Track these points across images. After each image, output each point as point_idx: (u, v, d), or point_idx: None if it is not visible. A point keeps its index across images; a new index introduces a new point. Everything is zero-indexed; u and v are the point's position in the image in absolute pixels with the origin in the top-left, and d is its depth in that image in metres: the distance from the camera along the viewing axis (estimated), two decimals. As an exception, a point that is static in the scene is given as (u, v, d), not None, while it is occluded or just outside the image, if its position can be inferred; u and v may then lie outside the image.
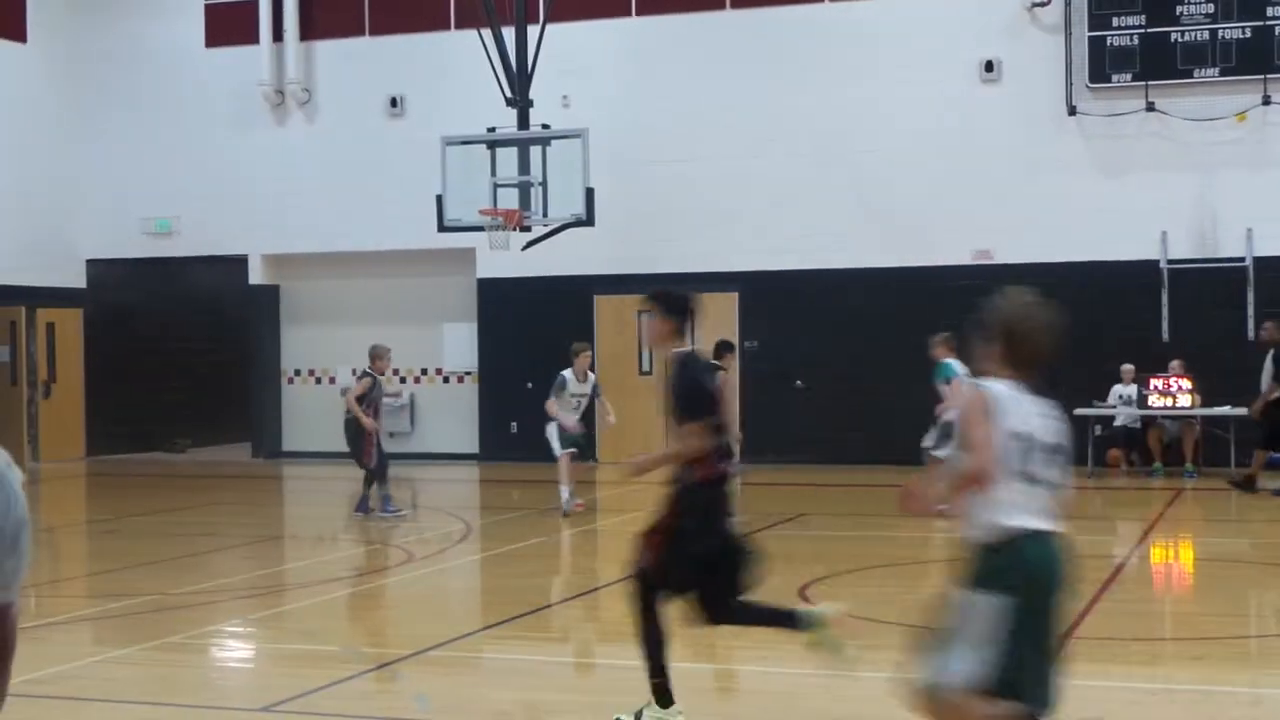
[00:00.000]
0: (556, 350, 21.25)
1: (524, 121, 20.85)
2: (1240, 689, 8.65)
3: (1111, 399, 20.61)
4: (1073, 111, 21.37)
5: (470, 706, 8.28)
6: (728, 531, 7.45)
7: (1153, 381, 20.24)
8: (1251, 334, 19.92)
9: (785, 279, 22.44)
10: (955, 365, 16.56)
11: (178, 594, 12.15)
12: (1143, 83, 21.10)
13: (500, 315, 23.85)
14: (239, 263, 25.42)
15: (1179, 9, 21.02)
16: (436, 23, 24.28)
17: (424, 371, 24.66)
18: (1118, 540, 15.58)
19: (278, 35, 25.03)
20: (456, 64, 23.06)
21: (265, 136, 25.18)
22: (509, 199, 20.02)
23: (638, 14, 23.37)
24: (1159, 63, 21.06)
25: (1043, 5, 21.60)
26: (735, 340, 22.06)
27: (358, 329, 22.65)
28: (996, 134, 21.72)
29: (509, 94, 20.92)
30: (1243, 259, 20.78)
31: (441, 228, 20.46)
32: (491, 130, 20.48)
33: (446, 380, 24.60)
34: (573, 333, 21.79)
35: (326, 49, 25.05)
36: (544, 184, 20.01)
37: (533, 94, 21.10)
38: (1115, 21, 21.24)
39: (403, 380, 24.27)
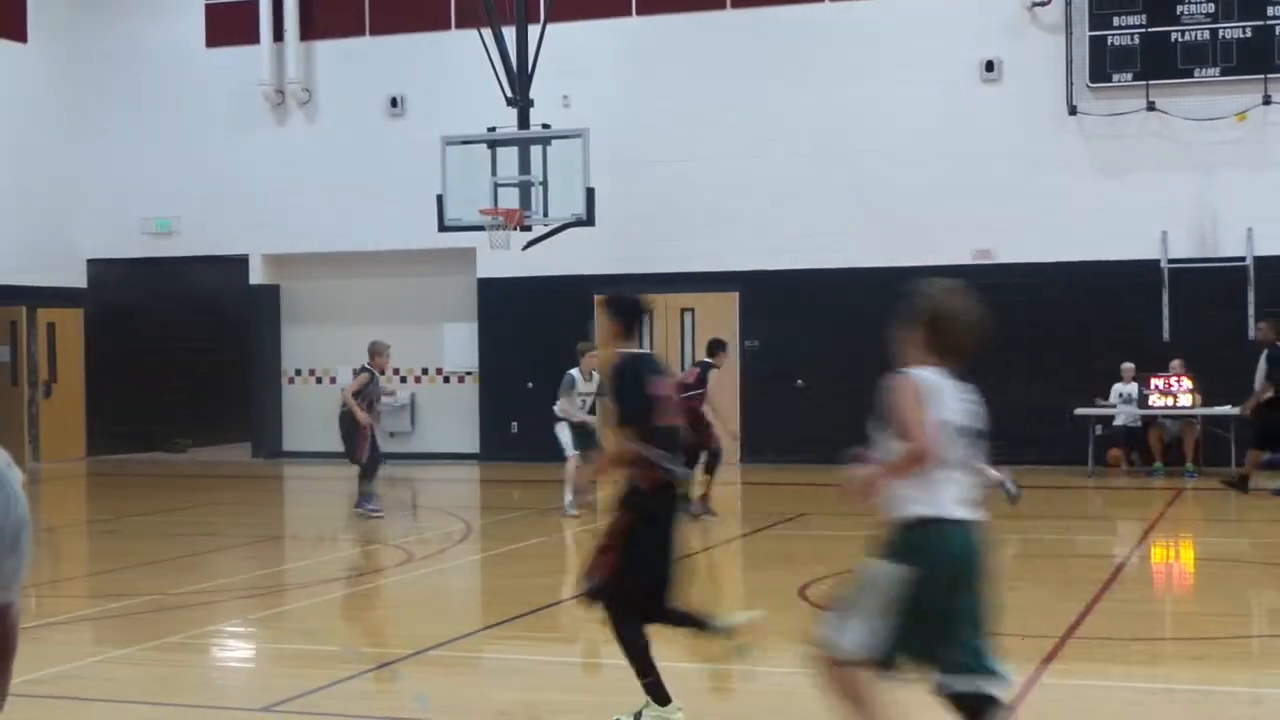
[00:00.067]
0: (557, 350, 21.28)
1: (524, 121, 20.85)
2: (1240, 689, 8.65)
3: (1112, 398, 20.61)
4: (1073, 111, 21.38)
5: (471, 706, 8.28)
6: (672, 540, 7.44)
7: (1153, 381, 20.24)
8: (1252, 334, 19.92)
9: (785, 279, 22.44)
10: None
11: (178, 594, 12.15)
12: (1143, 82, 21.10)
13: (500, 315, 23.85)
14: (239, 263, 25.42)
15: (1179, 9, 21.02)
16: (437, 22, 24.28)
17: (424, 371, 24.66)
18: (1118, 540, 15.60)
19: (278, 35, 25.04)
20: (457, 64, 23.07)
21: (265, 136, 25.19)
22: (509, 199, 20.02)
23: (638, 14, 23.38)
24: (1159, 62, 21.06)
25: (1043, 5, 21.61)
26: (735, 339, 22.10)
27: (358, 329, 22.64)
28: (997, 134, 21.72)
29: (509, 94, 20.92)
30: (1243, 259, 20.79)
31: (442, 227, 20.46)
32: (492, 130, 20.47)
33: (447, 380, 24.60)
34: (573, 333, 21.79)
35: (327, 49, 25.05)
36: (544, 184, 20.00)
37: (533, 94, 21.10)
38: (1116, 21, 21.23)
39: (403, 380, 24.27)
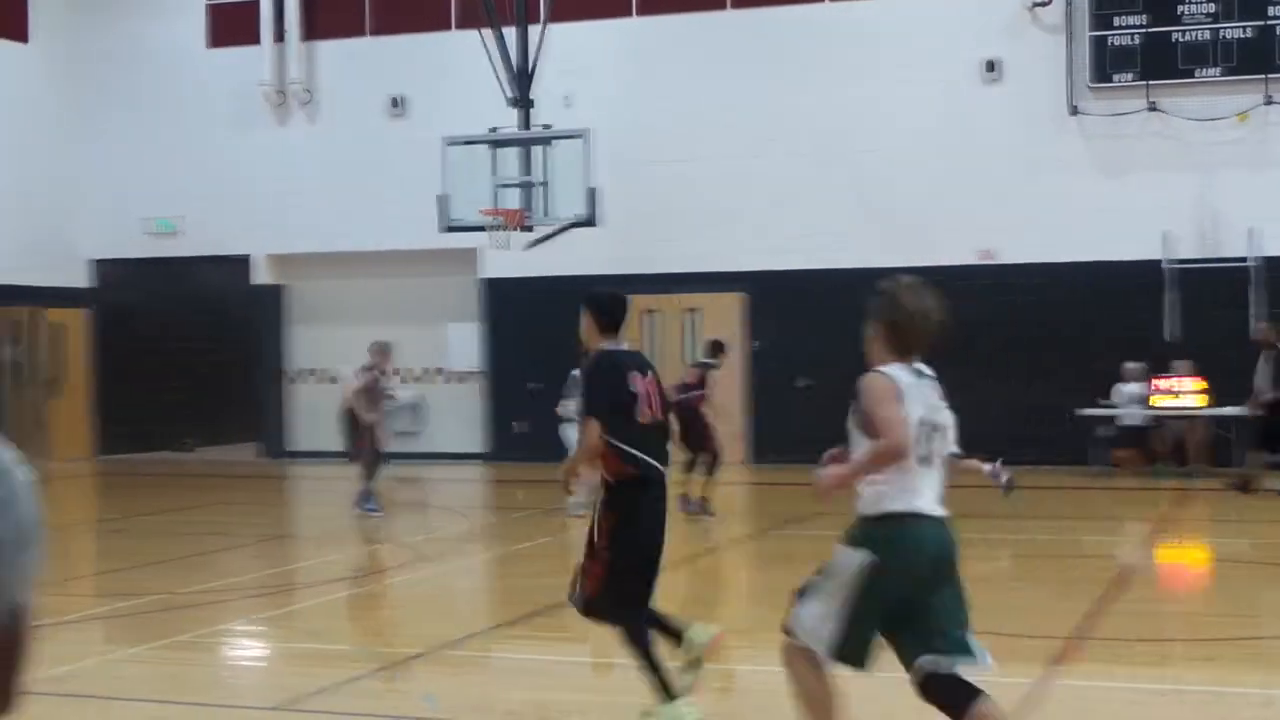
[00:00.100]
0: (560, 350, 21.21)
1: (526, 122, 20.88)
2: (1251, 690, 8.67)
3: (1118, 398, 20.60)
4: (1074, 111, 21.42)
5: (481, 706, 8.31)
6: (651, 536, 7.49)
7: (1158, 381, 20.27)
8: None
9: (790, 279, 22.47)
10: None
11: (186, 593, 12.18)
12: (1144, 82, 21.13)
13: (504, 315, 23.88)
14: (242, 263, 25.46)
15: (1180, 9, 21.05)
16: (438, 23, 24.31)
17: (429, 372, 24.68)
18: (1123, 540, 15.61)
19: (279, 35, 25.07)
20: (458, 64, 23.09)
21: (267, 136, 25.21)
22: (511, 199, 20.03)
23: (638, 14, 23.40)
24: (1160, 62, 21.10)
25: (1044, 5, 21.64)
26: (739, 340, 22.14)
27: (362, 329, 22.63)
28: (998, 134, 21.75)
29: (510, 94, 20.95)
30: (1245, 259, 20.81)
31: (444, 228, 20.48)
32: (493, 130, 20.50)
33: (451, 380, 24.63)
34: (575, 333, 21.86)
35: (328, 49, 25.08)
36: (546, 184, 20.03)
37: (534, 94, 21.14)
38: (1116, 21, 21.26)
39: (402, 381, 24.27)
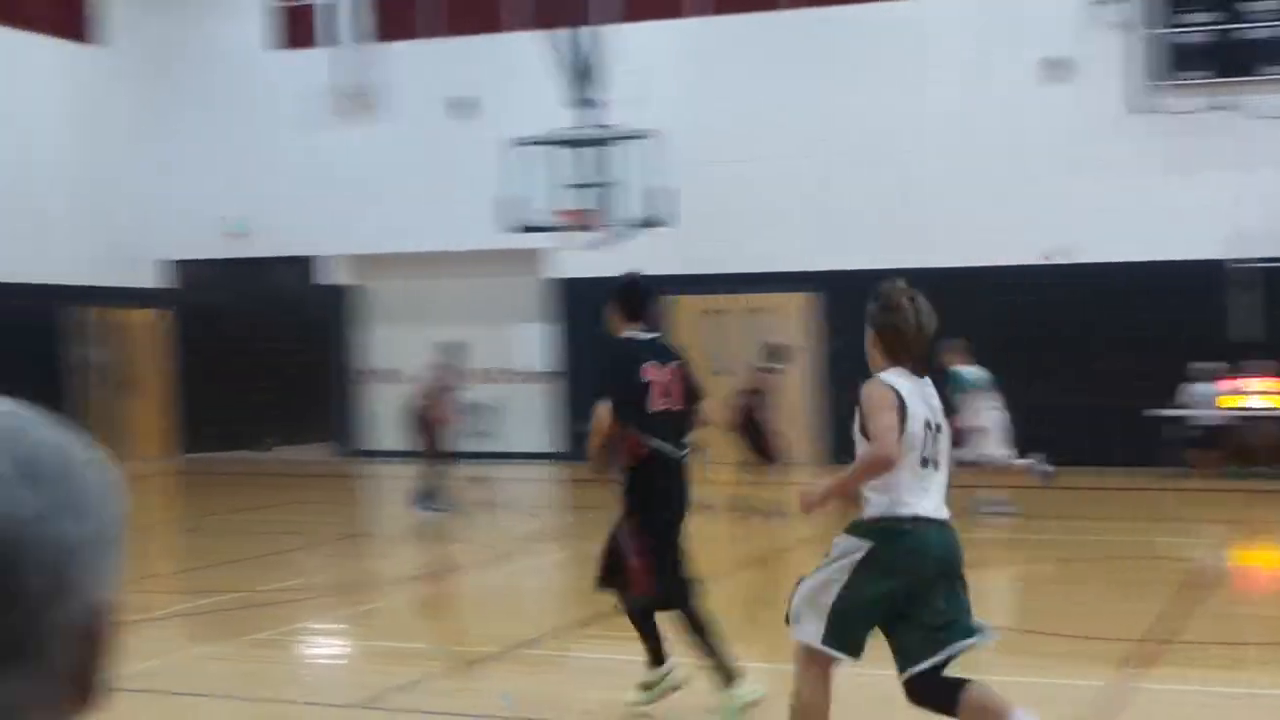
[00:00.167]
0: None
1: (593, 122, 20.92)
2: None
3: (1187, 398, 20.37)
4: (1140, 110, 21.18)
5: (556, 705, 8.38)
6: (671, 511, 7.72)
7: (1232, 381, 20.05)
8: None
9: (857, 279, 22.23)
10: (968, 374, 16.53)
11: (265, 591, 12.35)
12: (1213, 80, 20.89)
13: (574, 315, 23.96)
14: (316, 263, 25.70)
15: (1250, 5, 20.79)
16: (509, 23, 24.41)
17: (500, 372, 24.81)
18: (1198, 542, 15.45)
19: (348, 37, 25.25)
20: (528, 64, 23.14)
21: (338, 137, 25.40)
22: (581, 200, 20.08)
23: (702, 14, 23.37)
24: (1229, 60, 20.84)
25: (1110, 2, 21.41)
26: (807, 341, 22.13)
27: (433, 329, 22.81)
28: (1061, 133, 21.55)
29: (579, 94, 21.01)
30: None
31: (513, 229, 20.55)
32: (563, 130, 20.55)
33: (524, 380, 24.74)
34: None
35: (399, 50, 25.23)
36: (617, 184, 20.06)
37: (604, 94, 21.17)
38: (1185, 18, 21.03)
39: (477, 381, 24.33)
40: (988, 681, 5.98)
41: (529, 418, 24.54)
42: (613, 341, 7.92)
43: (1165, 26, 21.08)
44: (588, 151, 20.22)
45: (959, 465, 16.21)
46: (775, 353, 17.29)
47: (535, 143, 20.29)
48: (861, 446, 5.79)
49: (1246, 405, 20.00)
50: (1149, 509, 17.67)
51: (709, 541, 14.92)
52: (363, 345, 25.83)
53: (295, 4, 25.82)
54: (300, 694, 9.03)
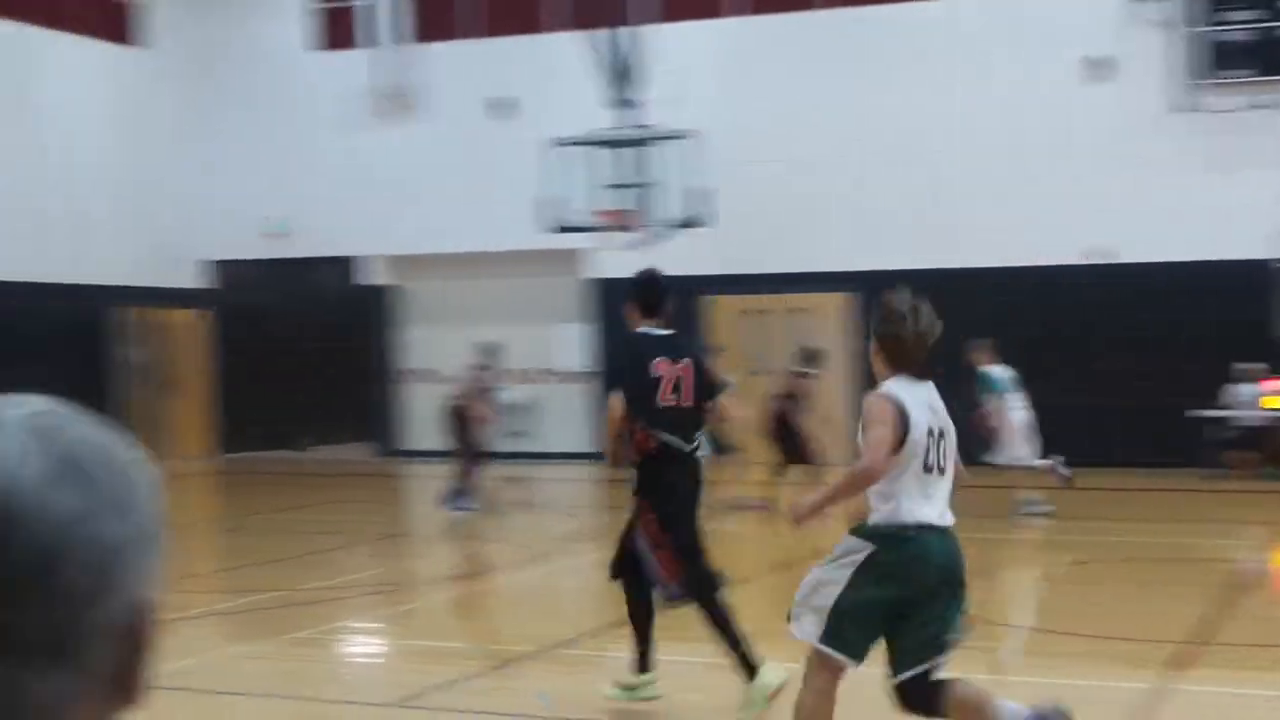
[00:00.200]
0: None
1: (632, 122, 20.93)
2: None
3: (1229, 399, 20.20)
4: (1182, 108, 21.03)
5: (593, 705, 8.38)
6: (685, 501, 7.85)
7: (1275, 382, 19.87)
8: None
9: (897, 279, 22.21)
10: (995, 374, 16.42)
11: (305, 590, 12.40)
12: (1254, 79, 20.72)
13: (612, 315, 23.95)
14: (355, 263, 25.79)
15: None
16: (548, 24, 24.44)
17: (538, 372, 24.84)
18: (1239, 544, 15.33)
19: (388, 38, 25.33)
20: (567, 65, 23.17)
21: (378, 138, 25.49)
22: (620, 200, 20.10)
23: (742, 14, 23.35)
24: (1271, 58, 20.68)
25: (1150, 0, 21.28)
26: (845, 341, 22.06)
27: (471, 329, 22.86)
28: (1103, 132, 21.43)
29: (617, 95, 21.02)
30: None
31: (552, 229, 20.58)
32: (602, 131, 20.56)
33: (562, 380, 24.76)
34: (684, 333, 21.83)
35: (435, 51, 25.29)
36: (655, 185, 20.07)
37: (643, 94, 21.17)
38: (1226, 16, 20.88)
39: (514, 381, 24.35)
40: (1027, 683, 5.96)
41: (567, 418, 24.55)
42: (626, 336, 8.04)
43: (1206, 25, 20.94)
44: (626, 152, 20.23)
45: (993, 469, 16.30)
46: (810, 357, 17.24)
47: (574, 143, 20.31)
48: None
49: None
50: (1188, 510, 17.55)
51: (741, 542, 14.95)
52: (402, 345, 25.90)
53: (336, 5, 25.92)
54: (339, 693, 9.06)
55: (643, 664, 8.07)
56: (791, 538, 15.35)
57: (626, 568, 8.02)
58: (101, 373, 24.20)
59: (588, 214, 19.91)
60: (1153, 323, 21.07)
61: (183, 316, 26.06)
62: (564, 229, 20.39)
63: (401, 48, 25.31)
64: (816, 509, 6.07)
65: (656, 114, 21.21)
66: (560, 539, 16.43)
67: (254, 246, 26.06)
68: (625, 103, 21.04)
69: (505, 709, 8.46)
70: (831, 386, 20.00)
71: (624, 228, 19.97)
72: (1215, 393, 20.22)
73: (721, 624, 7.77)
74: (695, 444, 7.96)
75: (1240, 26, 20.83)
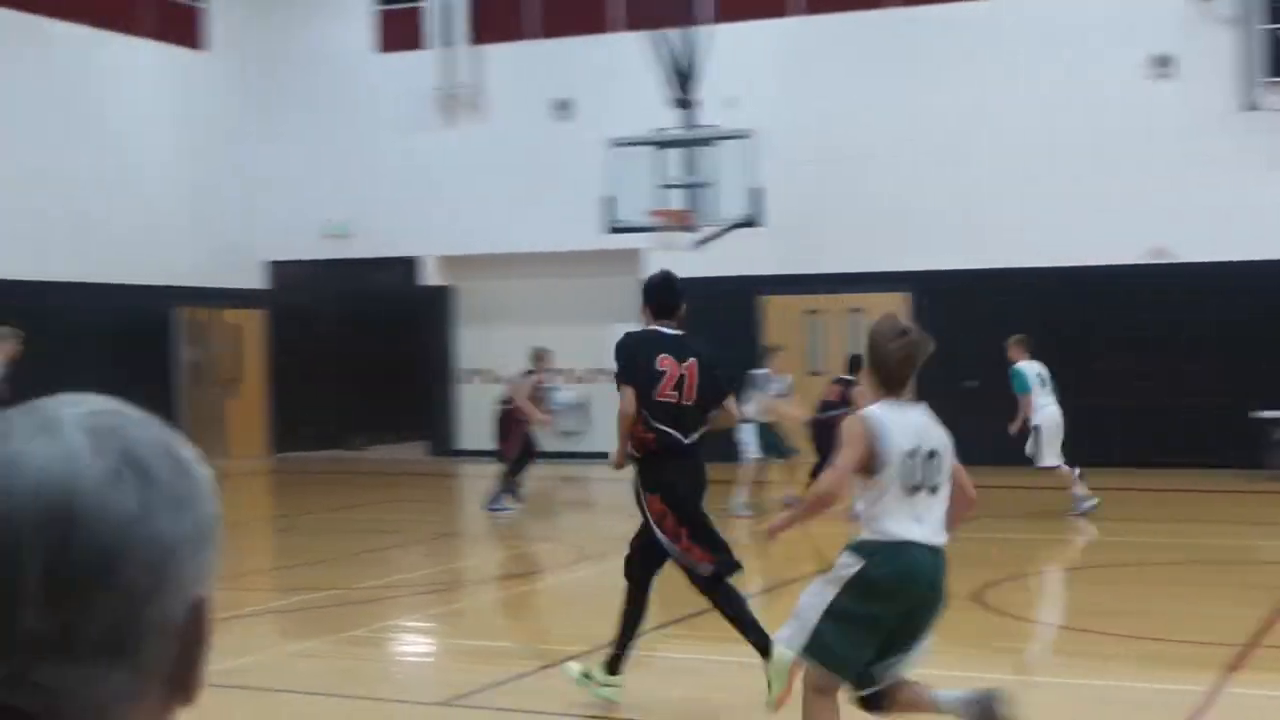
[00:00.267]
0: (724, 350, 21.06)
1: (691, 122, 20.93)
2: None
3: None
4: (1248, 107, 20.84)
5: (641, 705, 8.37)
6: (689, 490, 7.99)
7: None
8: None
9: (955, 278, 22.21)
10: (1026, 370, 16.38)
11: (359, 588, 12.45)
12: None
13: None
14: (412, 264, 25.89)
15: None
16: (604, 25, 24.48)
17: (593, 372, 24.85)
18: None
19: (448, 39, 25.46)
20: (624, 66, 23.21)
21: (436, 139, 25.60)
22: (677, 200, 20.11)
23: (800, 13, 23.30)
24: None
25: (1212, -1, 21.12)
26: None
27: (528, 329, 22.93)
28: (1168, 131, 21.24)
29: (675, 95, 21.02)
30: None
31: (609, 229, 20.61)
32: (659, 131, 20.58)
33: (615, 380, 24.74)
34: (739, 333, 21.86)
35: (496, 52, 25.38)
36: (712, 185, 20.06)
37: (699, 94, 21.17)
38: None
39: (566, 381, 24.31)
40: (1076, 685, 5.94)
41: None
42: (630, 332, 8.13)
43: (1271, 22, 20.73)
44: (685, 151, 20.25)
45: (1040, 471, 16.28)
46: (857, 364, 17.15)
47: (634, 143, 20.34)
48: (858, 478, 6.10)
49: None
50: (1254, 513, 17.36)
51: (786, 544, 14.87)
52: (458, 345, 25.99)
53: (397, 8, 26.06)
54: (391, 691, 9.09)
55: (614, 666, 8.16)
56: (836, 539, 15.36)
57: (636, 569, 8.16)
58: (164, 372, 24.44)
59: (645, 214, 19.93)
60: (1216, 322, 20.87)
61: (245, 317, 26.26)
62: (622, 229, 20.42)
63: (462, 49, 25.41)
64: (786, 527, 6.40)
65: (714, 114, 21.21)
66: (612, 539, 16.38)
67: (315, 247, 26.23)
68: (684, 103, 21.03)
69: (554, 709, 8.45)
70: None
71: (682, 227, 19.98)
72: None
73: (733, 607, 7.95)
74: (693, 439, 8.03)
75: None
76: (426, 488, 22.47)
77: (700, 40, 21.18)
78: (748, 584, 12.81)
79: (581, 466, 22.61)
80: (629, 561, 8.26)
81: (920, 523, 5.92)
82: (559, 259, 24.69)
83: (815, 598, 6.01)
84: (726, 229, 20.36)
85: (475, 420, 25.16)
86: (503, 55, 25.28)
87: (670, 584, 8.78)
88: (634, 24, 22.70)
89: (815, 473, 16.41)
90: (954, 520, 6.13)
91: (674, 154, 20.38)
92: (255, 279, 26.60)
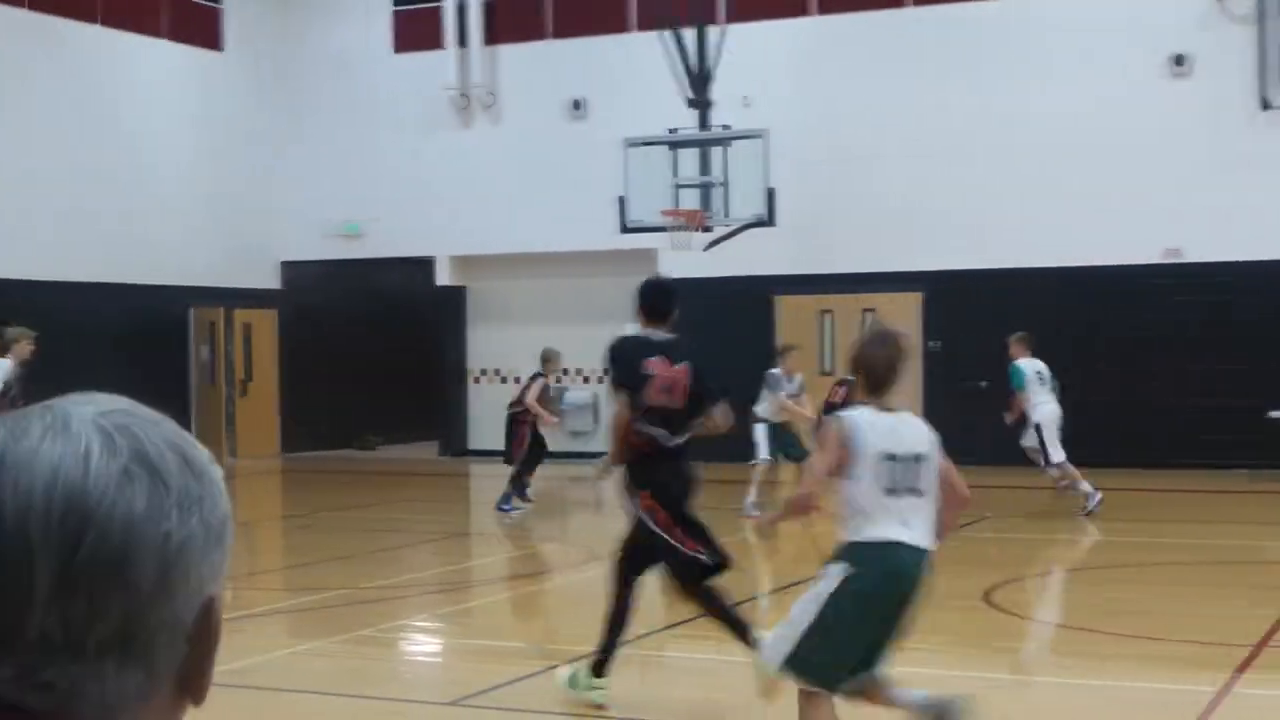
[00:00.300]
0: (737, 350, 21.21)
1: (704, 122, 20.94)
2: None
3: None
4: (1266, 105, 20.79)
5: (650, 705, 8.38)
6: (679, 491, 8.07)
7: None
8: None
9: (968, 278, 22.18)
10: (1024, 367, 16.64)
11: (369, 588, 12.46)
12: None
13: (681, 315, 23.90)
14: (425, 264, 25.91)
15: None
16: (618, 25, 24.48)
17: (608, 372, 24.83)
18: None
19: (463, 40, 25.48)
20: (638, 66, 23.22)
21: (450, 140, 25.62)
22: (690, 200, 20.12)
23: (814, 13, 23.30)
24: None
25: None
26: (918, 340, 21.93)
27: (541, 329, 22.93)
28: (1185, 130, 21.19)
29: (689, 95, 21.04)
30: None
31: (623, 229, 20.64)
32: (673, 131, 20.59)
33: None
34: (753, 333, 21.85)
35: (510, 53, 25.40)
36: (725, 184, 20.08)
37: (713, 94, 21.18)
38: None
39: (566, 382, 24.21)
40: (1089, 686, 5.94)
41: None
42: (621, 336, 8.33)
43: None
44: (699, 151, 20.27)
45: (1044, 471, 16.32)
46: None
47: (648, 143, 20.37)
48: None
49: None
50: (1272, 513, 17.32)
51: (792, 542, 14.87)
52: (471, 345, 26.01)
53: (413, 8, 26.08)
54: (399, 691, 9.10)
55: (600, 669, 8.18)
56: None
57: (625, 570, 8.21)
58: (180, 372, 24.51)
59: (659, 214, 19.96)
60: (1236, 322, 20.83)
61: (260, 317, 26.31)
62: (636, 229, 20.45)
63: (476, 50, 25.42)
64: (774, 524, 6.86)
65: (728, 114, 21.24)
66: (622, 539, 16.41)
67: (328, 247, 26.27)
68: (698, 103, 21.04)
69: (563, 709, 8.44)
70: (897, 389, 19.79)
71: (696, 227, 20.00)
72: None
73: (714, 603, 8.04)
74: (681, 442, 8.13)
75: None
76: (437, 487, 22.48)
77: (713, 40, 21.18)
78: (757, 585, 12.85)
79: (591, 467, 22.60)
80: (617, 563, 8.32)
81: (904, 525, 6.01)
82: (573, 259, 24.69)
83: (802, 613, 6.11)
84: (739, 229, 20.38)
85: (487, 420, 25.16)
86: (517, 56, 25.30)
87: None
88: (648, 24, 22.70)
89: None
90: (948, 519, 6.26)
91: (687, 154, 20.40)
92: (269, 279, 26.64)
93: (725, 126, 20.66)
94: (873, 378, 6.27)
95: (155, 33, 24.60)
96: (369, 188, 25.87)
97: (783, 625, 6.25)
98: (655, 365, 8.07)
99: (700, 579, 8.04)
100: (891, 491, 6.01)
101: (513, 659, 9.75)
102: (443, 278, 25.98)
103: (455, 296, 26.01)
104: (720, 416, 8.40)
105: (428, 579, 13.47)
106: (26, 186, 21.97)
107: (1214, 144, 20.99)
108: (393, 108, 25.88)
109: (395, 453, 26.69)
